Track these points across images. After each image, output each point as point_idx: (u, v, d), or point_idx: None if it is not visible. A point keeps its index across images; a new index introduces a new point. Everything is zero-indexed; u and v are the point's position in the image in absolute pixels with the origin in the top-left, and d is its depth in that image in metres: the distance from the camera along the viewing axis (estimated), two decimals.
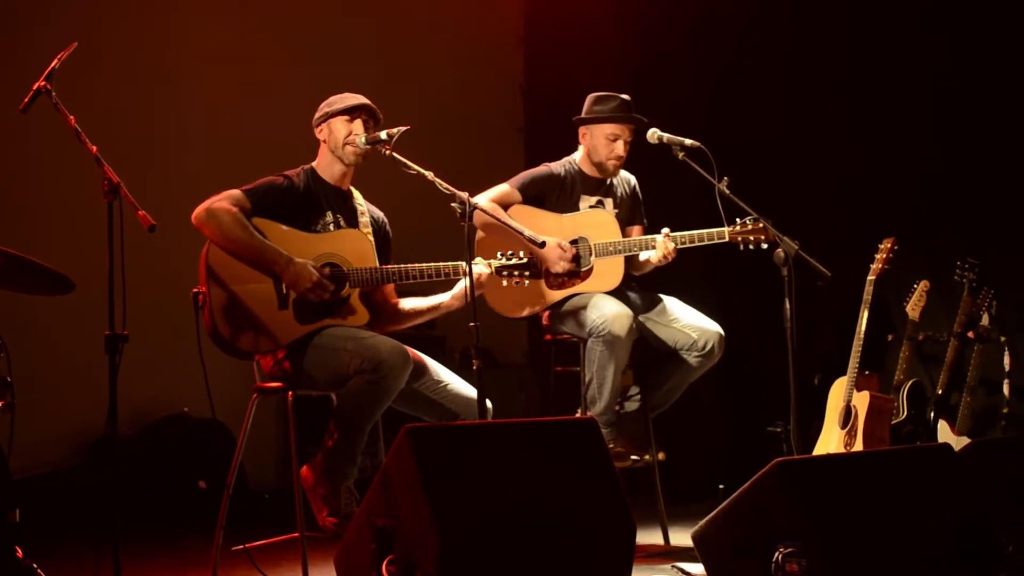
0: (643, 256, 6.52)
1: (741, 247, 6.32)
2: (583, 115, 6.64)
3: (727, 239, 6.32)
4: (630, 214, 6.75)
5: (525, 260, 5.77)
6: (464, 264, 5.58)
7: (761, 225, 6.19)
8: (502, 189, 6.55)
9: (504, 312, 6.60)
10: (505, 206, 6.47)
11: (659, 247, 6.37)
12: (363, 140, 5.66)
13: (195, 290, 5.47)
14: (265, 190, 5.60)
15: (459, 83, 9.95)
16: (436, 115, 9.30)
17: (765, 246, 6.23)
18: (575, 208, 6.61)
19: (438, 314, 5.92)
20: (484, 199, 6.40)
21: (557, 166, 6.69)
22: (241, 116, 8.74)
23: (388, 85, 8.69)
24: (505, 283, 5.81)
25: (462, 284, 5.73)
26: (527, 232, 5.79)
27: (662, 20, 9.23)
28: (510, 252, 5.80)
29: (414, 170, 5.48)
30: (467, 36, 10.08)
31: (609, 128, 6.57)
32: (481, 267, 5.68)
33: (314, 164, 5.82)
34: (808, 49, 8.58)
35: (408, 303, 5.92)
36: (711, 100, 8.93)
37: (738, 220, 6.26)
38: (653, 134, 6.34)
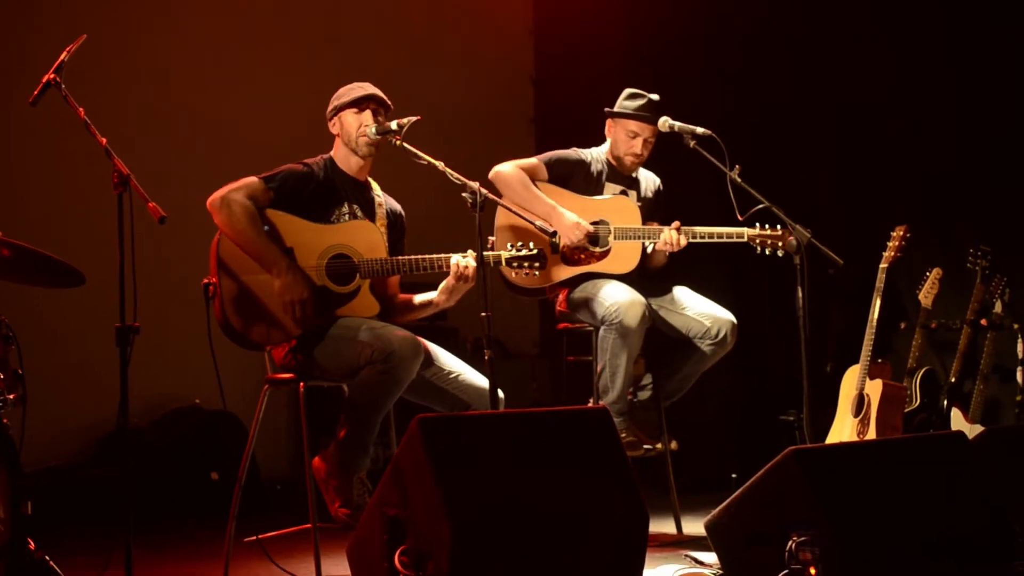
0: (649, 247, 6.51)
1: (758, 250, 6.32)
2: (614, 108, 6.66)
3: (745, 239, 6.33)
4: (650, 211, 6.74)
5: (535, 252, 5.77)
6: (455, 256, 5.61)
7: (781, 230, 6.20)
8: (531, 162, 6.60)
9: (519, 282, 6.57)
10: (531, 179, 6.50)
11: (663, 236, 6.37)
12: (374, 131, 5.65)
13: (205, 280, 5.46)
14: (284, 178, 5.60)
15: (469, 73, 9.94)
16: (446, 105, 9.28)
17: (781, 254, 6.23)
18: (599, 193, 6.62)
19: (433, 311, 5.92)
20: (511, 165, 6.49)
21: (586, 153, 6.72)
22: (252, 107, 8.73)
23: (399, 75, 8.66)
24: (514, 275, 5.82)
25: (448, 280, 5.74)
26: (538, 223, 5.79)
27: (672, 9, 9.21)
28: (520, 243, 5.80)
29: (425, 160, 5.48)
30: (477, 26, 10.08)
31: (631, 124, 6.60)
32: (469, 260, 5.66)
33: (332, 154, 5.82)
34: (818, 36, 8.55)
35: (406, 298, 5.94)
36: (721, 88, 8.92)
37: (758, 224, 6.26)
38: (664, 122, 6.34)
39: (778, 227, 6.20)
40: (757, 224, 6.27)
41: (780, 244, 6.25)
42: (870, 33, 8.33)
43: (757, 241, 6.31)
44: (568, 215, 6.42)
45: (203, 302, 5.43)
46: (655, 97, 6.60)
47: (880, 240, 7.04)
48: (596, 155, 6.72)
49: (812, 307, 5.89)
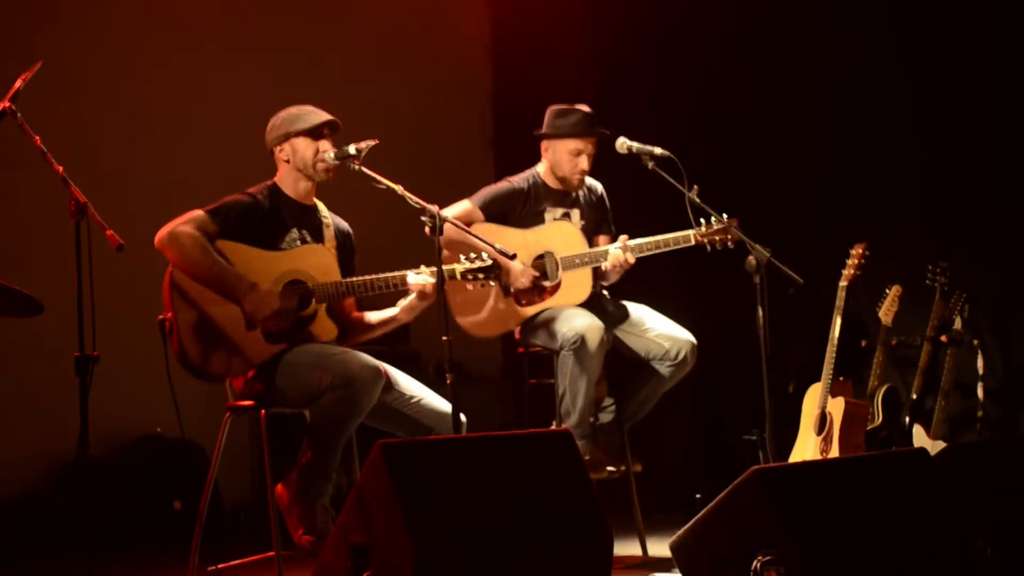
0: (603, 266, 6.50)
1: (708, 248, 6.32)
2: (543, 130, 6.63)
3: (693, 242, 6.33)
4: (597, 223, 6.73)
5: (489, 262, 5.73)
6: (408, 273, 5.62)
7: (726, 224, 6.20)
8: (463, 207, 6.53)
9: (475, 332, 6.58)
10: (467, 224, 6.41)
11: (610, 258, 6.36)
12: (332, 156, 5.63)
13: (161, 316, 5.44)
14: (228, 209, 5.57)
15: (426, 94, 9.91)
16: (404, 127, 9.26)
17: (732, 245, 6.24)
18: (540, 220, 6.59)
19: (391, 327, 5.89)
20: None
21: (519, 180, 6.66)
22: (208, 131, 8.67)
23: (355, 97, 8.65)
24: (470, 287, 5.78)
25: (409, 298, 5.73)
26: (497, 245, 5.75)
27: (631, 27, 9.22)
28: (473, 255, 5.76)
29: (384, 184, 5.46)
30: (434, 46, 10.05)
31: (572, 143, 6.56)
32: (425, 277, 5.65)
33: (276, 180, 5.79)
34: (777, 53, 8.57)
35: (364, 316, 5.91)
36: (681, 107, 8.92)
37: (703, 221, 6.26)
38: (623, 144, 6.32)
39: (724, 217, 6.20)
40: (703, 221, 6.28)
41: (728, 237, 6.26)
42: (832, 51, 8.35)
43: (705, 240, 6.31)
44: (513, 265, 6.37)
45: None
46: (587, 109, 6.59)
47: (840, 258, 7.06)
48: (532, 180, 6.67)
49: (773, 326, 5.90)
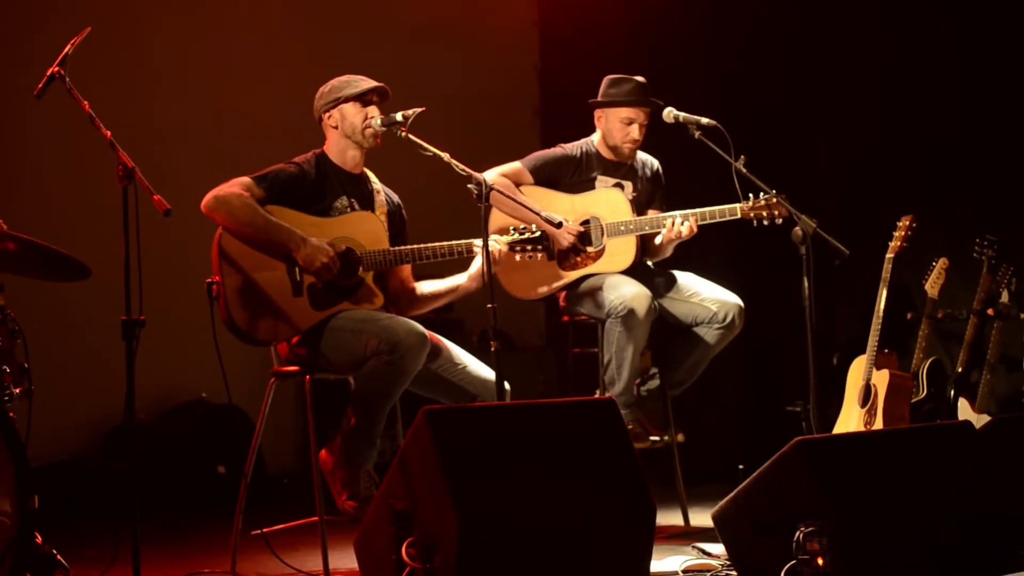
0: (657, 240, 6.48)
1: (755, 223, 6.29)
2: (599, 98, 6.61)
3: (739, 215, 6.30)
4: (650, 196, 6.70)
5: (538, 233, 5.74)
6: (476, 241, 5.57)
7: (775, 200, 6.16)
8: (514, 167, 6.53)
9: (518, 294, 6.58)
10: (515, 185, 6.44)
11: (675, 223, 6.33)
12: (379, 123, 5.63)
13: (209, 280, 5.45)
14: (274, 176, 5.57)
15: (474, 64, 9.93)
16: (451, 97, 9.26)
17: (779, 222, 6.21)
18: (591, 188, 6.57)
19: (456, 296, 5.89)
20: (494, 173, 6.40)
21: (572, 147, 6.65)
22: (258, 100, 8.71)
23: (403, 67, 8.66)
24: (519, 257, 5.77)
25: (478, 263, 5.71)
26: (544, 213, 5.75)
27: None
28: (523, 226, 5.77)
29: (430, 151, 5.45)
30: (482, 17, 10.05)
31: (624, 112, 6.54)
32: (495, 244, 5.64)
33: (325, 149, 5.79)
34: (822, 25, 8.53)
35: (426, 287, 5.90)
36: (726, 78, 8.89)
37: (751, 196, 6.24)
38: (669, 113, 6.29)
39: (773, 193, 6.16)
40: (750, 196, 6.25)
41: (776, 212, 6.23)
42: (871, 22, 8.31)
43: (752, 215, 6.28)
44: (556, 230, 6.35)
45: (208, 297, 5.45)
46: (641, 79, 6.56)
47: (886, 230, 7.03)
48: (586, 148, 6.66)
49: (818, 298, 5.87)
